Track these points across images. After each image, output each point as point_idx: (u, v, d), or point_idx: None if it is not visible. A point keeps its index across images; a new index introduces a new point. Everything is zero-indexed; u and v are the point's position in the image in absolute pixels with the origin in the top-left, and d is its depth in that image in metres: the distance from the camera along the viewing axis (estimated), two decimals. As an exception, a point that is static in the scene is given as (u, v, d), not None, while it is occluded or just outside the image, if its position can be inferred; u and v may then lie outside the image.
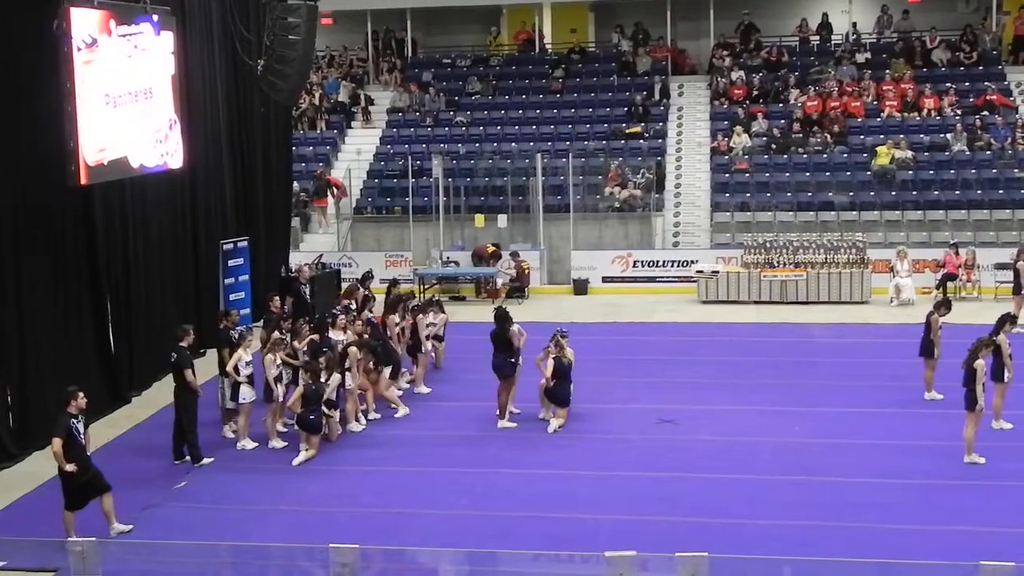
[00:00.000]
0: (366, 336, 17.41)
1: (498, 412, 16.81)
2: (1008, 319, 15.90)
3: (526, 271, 26.87)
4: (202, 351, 20.07)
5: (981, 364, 14.36)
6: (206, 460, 15.30)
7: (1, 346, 15.57)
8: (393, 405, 17.41)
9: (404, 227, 28.76)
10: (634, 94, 32.18)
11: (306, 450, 15.39)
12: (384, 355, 17.46)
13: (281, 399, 16.01)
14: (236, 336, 16.41)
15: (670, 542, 11.55)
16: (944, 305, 17.58)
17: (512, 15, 36.77)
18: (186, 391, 15.20)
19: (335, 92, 34.14)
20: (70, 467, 12.34)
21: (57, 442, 12.34)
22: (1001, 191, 27.96)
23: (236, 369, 15.81)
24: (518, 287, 26.73)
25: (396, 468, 15.07)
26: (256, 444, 15.92)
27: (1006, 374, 15.45)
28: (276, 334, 16.67)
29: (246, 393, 15.79)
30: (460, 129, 32.27)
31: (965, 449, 14.35)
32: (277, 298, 19.11)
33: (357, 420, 16.73)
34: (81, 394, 12.70)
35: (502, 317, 17.05)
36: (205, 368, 18.36)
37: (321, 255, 27.00)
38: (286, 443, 15.88)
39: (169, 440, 15.56)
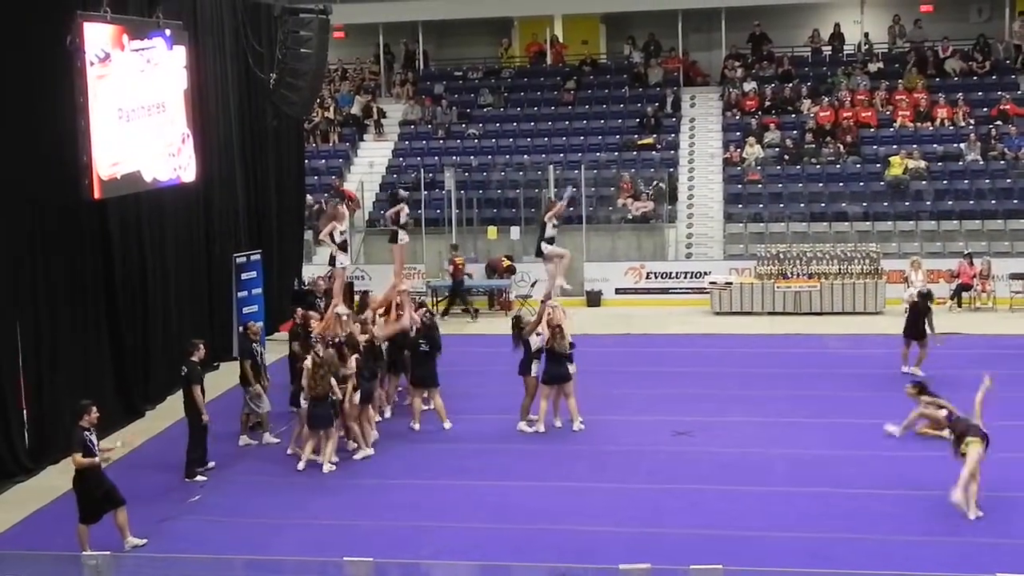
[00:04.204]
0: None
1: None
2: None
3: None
4: (215, 364, 20.13)
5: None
6: (200, 478, 15.25)
7: (17, 360, 15.60)
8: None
9: (417, 239, 28.70)
10: (646, 105, 32.17)
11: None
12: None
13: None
14: (257, 350, 16.55)
15: (685, 554, 11.51)
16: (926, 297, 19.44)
17: (523, 27, 36.79)
18: (194, 406, 15.24)
19: (348, 105, 34.21)
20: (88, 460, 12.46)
21: (79, 456, 12.43)
22: (1015, 201, 27.87)
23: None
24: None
25: (409, 481, 15.05)
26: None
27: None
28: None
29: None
30: (472, 141, 32.30)
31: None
32: (300, 310, 19.05)
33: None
34: (94, 408, 12.75)
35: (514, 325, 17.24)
36: (219, 381, 18.44)
37: (333, 267, 26.99)
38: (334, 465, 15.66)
39: (184, 452, 15.57)
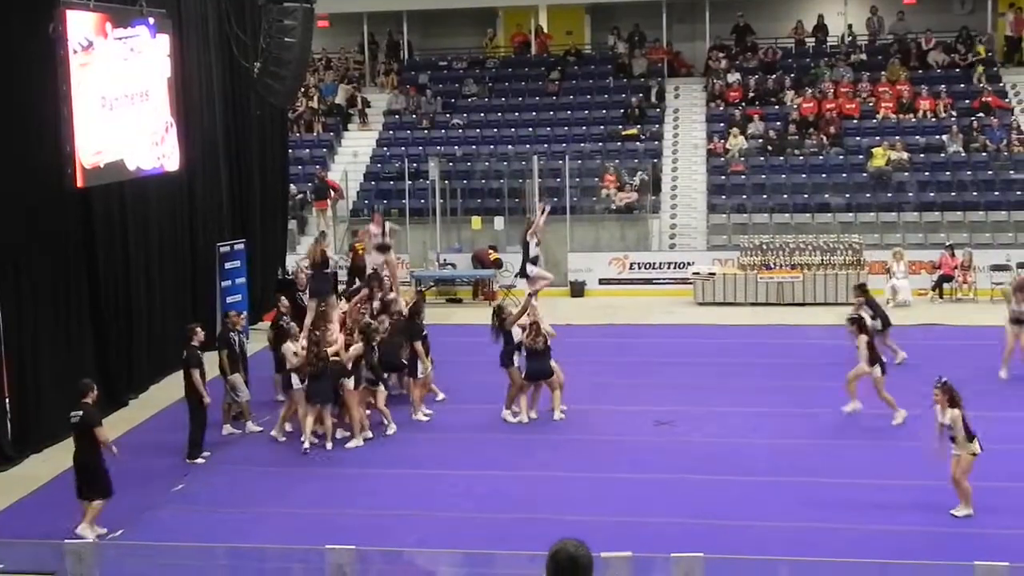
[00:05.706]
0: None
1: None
2: None
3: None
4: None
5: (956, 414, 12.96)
6: (200, 460, 15.39)
7: (-1, 350, 15.62)
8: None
9: (401, 229, 28.73)
10: (630, 96, 32.18)
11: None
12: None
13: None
14: (236, 340, 16.60)
15: (666, 543, 11.57)
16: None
17: (508, 17, 36.77)
18: (194, 389, 15.32)
19: (332, 95, 34.15)
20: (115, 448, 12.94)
21: (102, 431, 12.82)
22: (997, 193, 27.99)
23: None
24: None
25: (393, 470, 15.09)
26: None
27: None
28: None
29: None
30: (457, 131, 32.26)
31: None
32: (284, 298, 19.01)
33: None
34: (95, 386, 13.19)
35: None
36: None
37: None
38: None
39: (167, 441, 15.60)
